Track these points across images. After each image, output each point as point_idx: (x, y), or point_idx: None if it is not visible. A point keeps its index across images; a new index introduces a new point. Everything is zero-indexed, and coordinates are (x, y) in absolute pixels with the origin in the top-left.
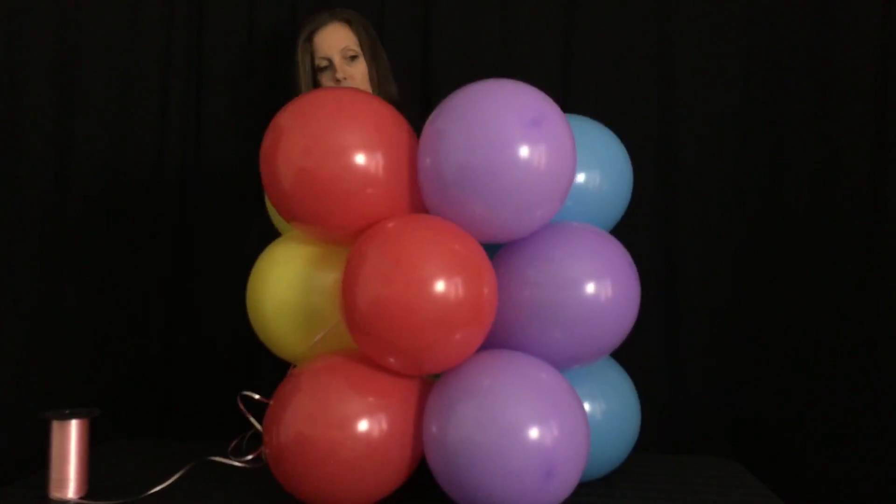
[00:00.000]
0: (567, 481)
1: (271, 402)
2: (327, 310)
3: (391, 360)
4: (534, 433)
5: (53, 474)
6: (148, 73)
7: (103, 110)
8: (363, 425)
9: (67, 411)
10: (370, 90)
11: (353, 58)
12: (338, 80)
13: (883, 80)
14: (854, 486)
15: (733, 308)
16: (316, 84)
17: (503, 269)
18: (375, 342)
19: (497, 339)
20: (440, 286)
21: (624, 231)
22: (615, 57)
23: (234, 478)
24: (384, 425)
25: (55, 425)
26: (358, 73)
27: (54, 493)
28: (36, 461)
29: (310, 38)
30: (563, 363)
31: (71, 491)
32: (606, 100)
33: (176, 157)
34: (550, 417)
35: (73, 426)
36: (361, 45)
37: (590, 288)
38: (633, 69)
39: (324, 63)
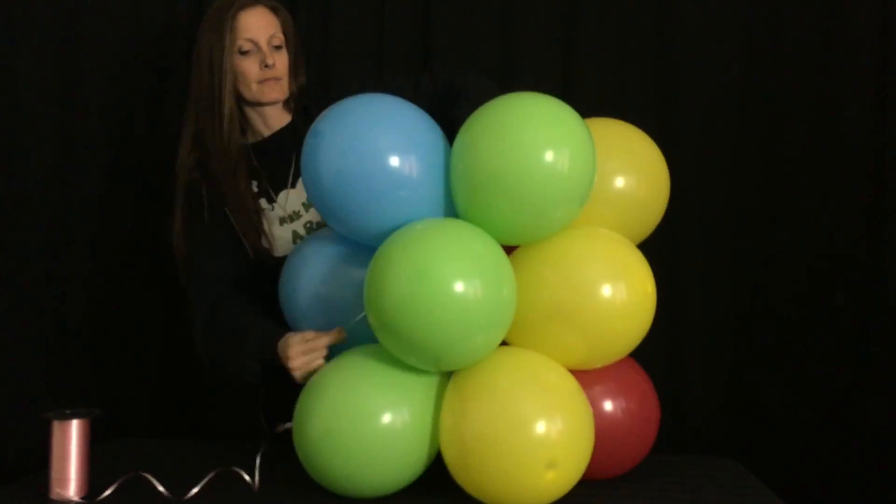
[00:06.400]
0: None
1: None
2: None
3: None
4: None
5: (54, 474)
6: (148, 72)
7: (103, 110)
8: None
9: (67, 411)
10: (288, 81)
11: (278, 47)
12: (267, 66)
13: (883, 79)
14: (854, 487)
15: (733, 308)
16: (233, 65)
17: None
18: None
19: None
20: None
21: None
22: (615, 57)
23: (236, 482)
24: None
25: (55, 425)
26: (281, 63)
27: (55, 493)
28: (36, 461)
29: (234, 17)
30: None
31: (71, 491)
32: (606, 100)
33: (176, 157)
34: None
35: (74, 426)
36: (286, 35)
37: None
38: (634, 69)
39: (247, 46)
